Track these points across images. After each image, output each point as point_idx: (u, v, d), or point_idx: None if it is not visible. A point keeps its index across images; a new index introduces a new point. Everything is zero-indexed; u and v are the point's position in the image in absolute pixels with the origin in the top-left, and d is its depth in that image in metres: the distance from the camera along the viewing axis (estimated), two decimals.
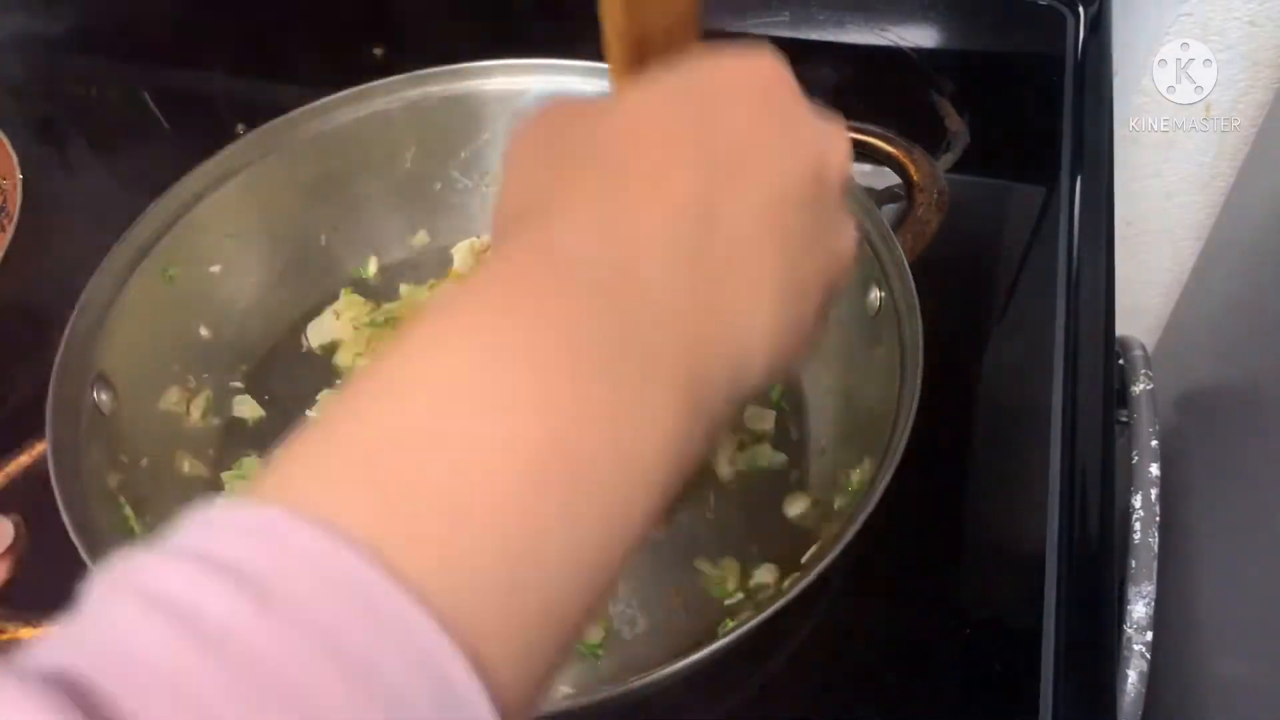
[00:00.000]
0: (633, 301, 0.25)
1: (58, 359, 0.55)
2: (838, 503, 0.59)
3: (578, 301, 0.25)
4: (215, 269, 0.67)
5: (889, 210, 0.61)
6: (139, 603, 0.18)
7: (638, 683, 0.45)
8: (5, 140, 0.82)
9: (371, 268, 0.75)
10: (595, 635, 0.58)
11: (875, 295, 0.60)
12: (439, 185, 0.76)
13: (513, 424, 0.22)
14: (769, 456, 0.64)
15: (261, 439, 0.66)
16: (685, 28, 0.35)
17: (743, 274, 0.28)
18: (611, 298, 0.25)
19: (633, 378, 0.24)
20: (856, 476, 0.57)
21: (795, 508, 0.62)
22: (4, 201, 0.80)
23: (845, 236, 0.33)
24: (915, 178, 0.67)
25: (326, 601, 0.19)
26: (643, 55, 0.34)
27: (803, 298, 0.31)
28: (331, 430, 0.22)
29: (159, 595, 0.18)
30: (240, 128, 0.84)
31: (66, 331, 0.56)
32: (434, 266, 0.75)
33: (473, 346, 0.23)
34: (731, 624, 0.57)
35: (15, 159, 0.80)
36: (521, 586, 0.21)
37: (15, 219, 0.77)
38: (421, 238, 0.77)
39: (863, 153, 0.70)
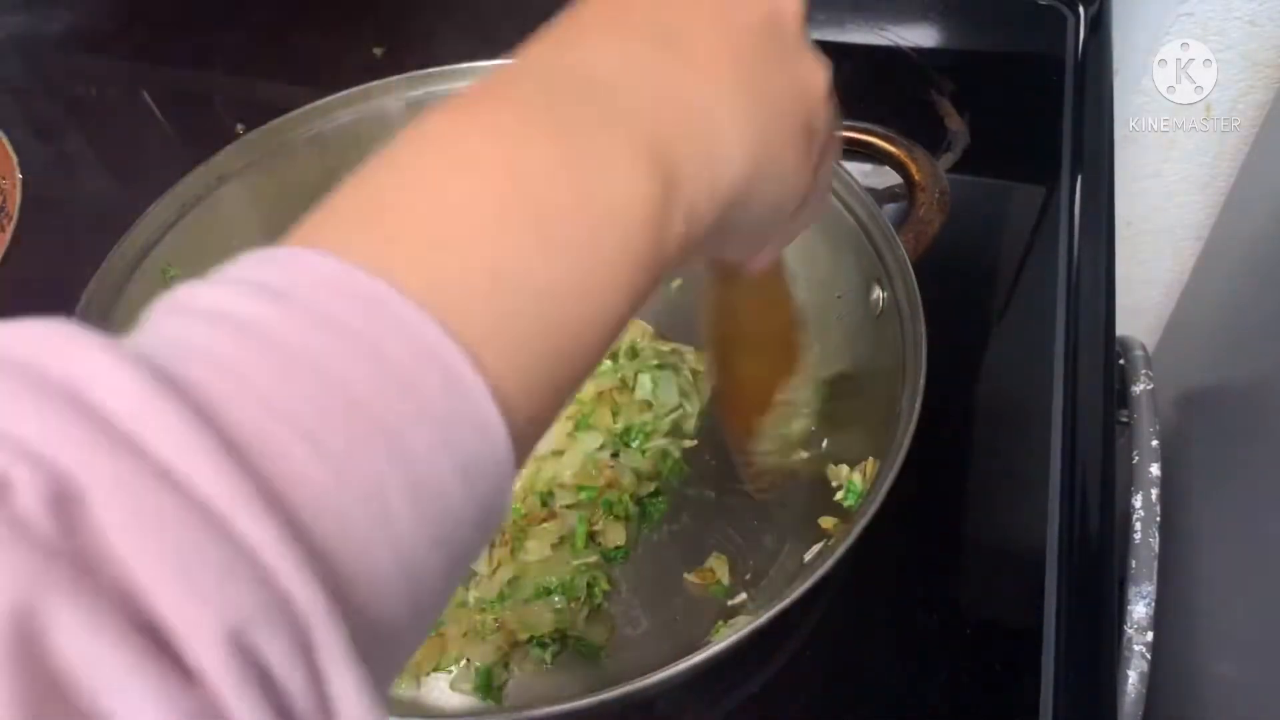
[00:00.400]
0: (588, 84, 0.29)
1: None
2: (844, 501, 0.59)
3: (535, 89, 0.29)
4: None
5: (890, 210, 0.61)
6: (185, 315, 0.22)
7: (640, 684, 0.45)
8: (5, 140, 0.82)
9: None
10: (600, 636, 0.58)
11: (878, 295, 0.60)
12: None
13: (480, 176, 0.25)
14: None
15: None
16: None
17: (699, 76, 0.31)
18: (567, 84, 0.29)
19: (591, 141, 0.28)
20: (858, 479, 0.57)
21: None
22: (4, 201, 0.80)
23: (812, 71, 0.35)
24: (917, 178, 0.67)
25: (340, 303, 0.22)
26: None
27: (773, 109, 0.33)
28: (344, 191, 0.26)
29: (200, 307, 0.22)
30: (240, 128, 0.84)
31: None
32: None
33: (446, 128, 0.27)
34: (724, 628, 0.57)
35: (15, 159, 0.81)
36: (508, 302, 0.24)
37: (15, 219, 0.77)
38: None
39: (865, 152, 0.70)
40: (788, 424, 0.54)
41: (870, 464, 0.57)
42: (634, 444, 0.65)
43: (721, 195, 0.31)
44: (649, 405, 0.67)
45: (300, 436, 0.20)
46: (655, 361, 0.69)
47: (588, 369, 0.28)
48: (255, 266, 0.23)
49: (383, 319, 0.22)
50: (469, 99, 0.29)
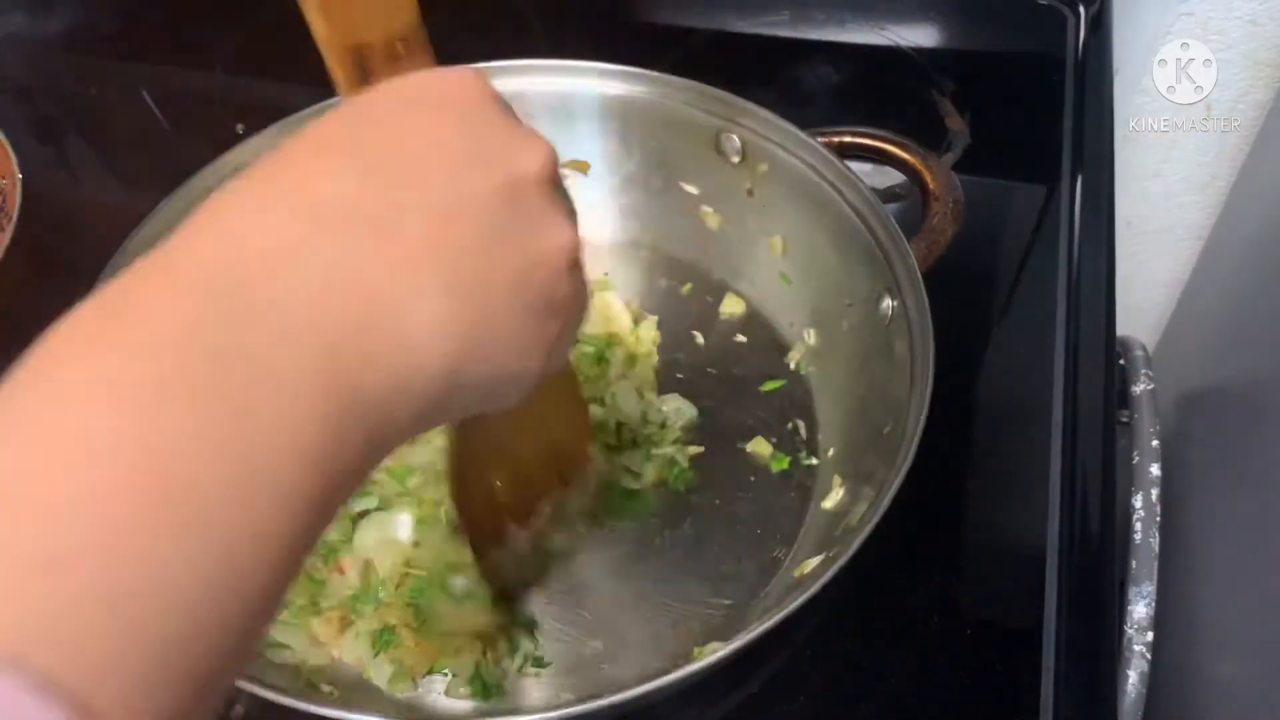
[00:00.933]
0: (254, 314, 0.25)
1: None
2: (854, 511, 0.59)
3: (182, 318, 0.24)
4: None
5: (891, 209, 0.61)
6: None
7: (640, 690, 0.45)
8: (5, 140, 0.82)
9: None
10: (597, 645, 0.58)
11: (888, 304, 0.60)
12: None
13: (100, 463, 0.21)
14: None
15: None
16: (410, 46, 0.36)
17: (397, 274, 0.27)
18: (223, 309, 0.25)
19: (248, 388, 0.24)
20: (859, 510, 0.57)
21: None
22: (4, 201, 0.80)
23: (548, 239, 0.32)
24: (932, 187, 0.67)
25: None
26: (366, 71, 0.35)
27: (488, 297, 0.30)
28: None
29: None
30: (240, 128, 0.84)
31: None
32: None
33: (67, 381, 0.23)
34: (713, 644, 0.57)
35: (15, 159, 0.80)
36: (134, 620, 0.20)
37: (15, 219, 0.77)
38: None
39: (877, 158, 0.70)
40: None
41: (868, 491, 0.57)
42: (640, 450, 0.65)
43: (414, 405, 0.28)
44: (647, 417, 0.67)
45: None
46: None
47: (252, 642, 0.24)
48: None
49: None
50: (95, 333, 0.24)
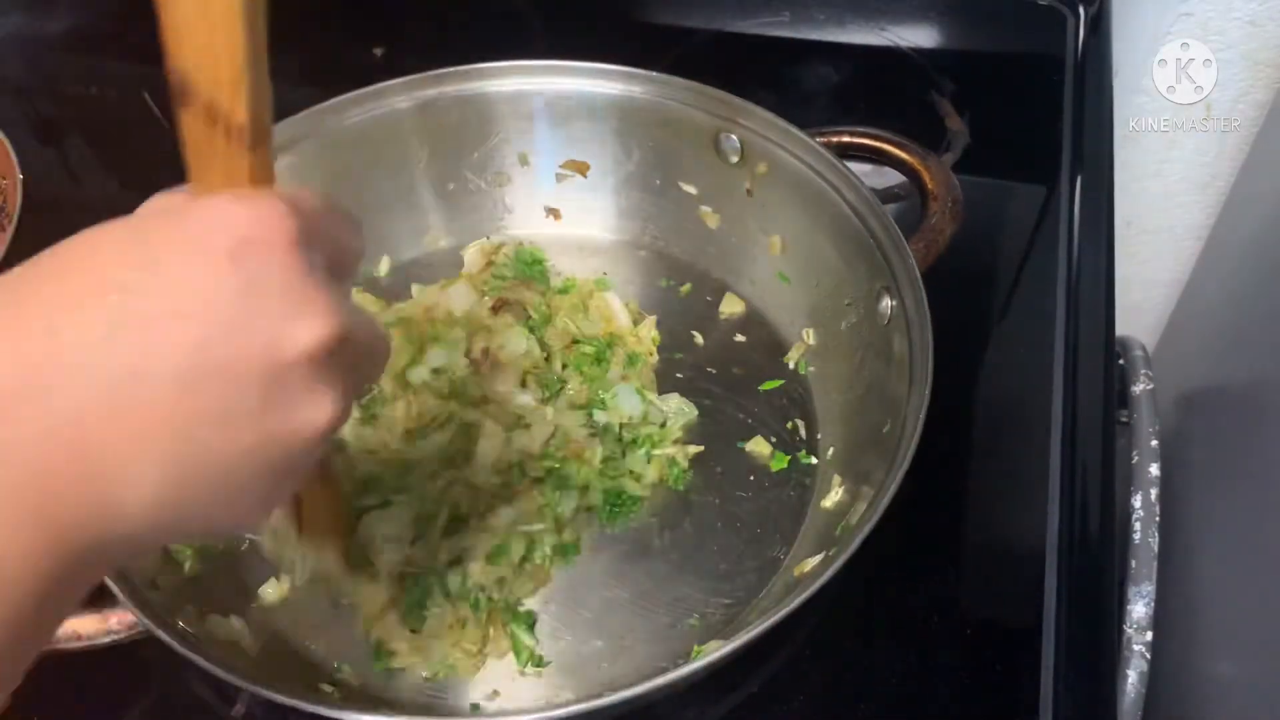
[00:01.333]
0: None
1: None
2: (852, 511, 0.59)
3: None
4: None
5: (890, 209, 0.61)
6: None
7: (640, 689, 0.45)
8: (5, 140, 0.82)
9: (383, 267, 0.75)
10: (598, 644, 0.58)
11: (887, 304, 0.60)
12: (451, 185, 0.76)
13: None
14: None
15: None
16: (230, 120, 0.33)
17: (120, 439, 0.27)
18: None
19: None
20: (859, 510, 0.57)
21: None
22: (4, 201, 0.80)
23: (299, 418, 0.31)
24: (930, 187, 0.66)
25: None
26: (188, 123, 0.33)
27: (209, 469, 0.29)
28: None
29: None
30: None
31: None
32: (446, 266, 0.75)
33: None
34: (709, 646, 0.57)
35: (15, 159, 0.81)
36: None
37: (15, 219, 0.77)
38: (433, 238, 0.77)
39: (876, 158, 0.70)
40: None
41: (870, 485, 0.57)
42: (641, 450, 0.65)
43: (122, 548, 0.29)
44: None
45: None
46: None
47: None
48: None
49: None
50: None
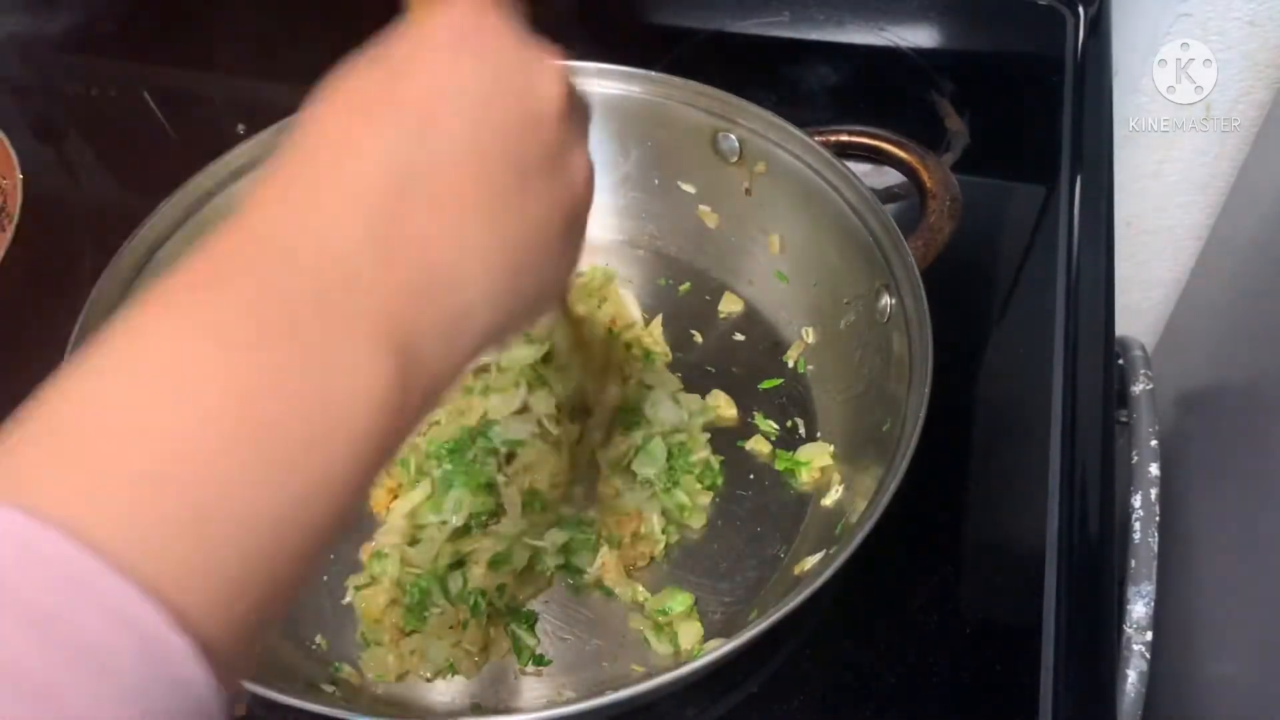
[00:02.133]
0: (322, 271, 0.27)
1: (66, 357, 0.55)
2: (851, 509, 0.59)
3: (266, 278, 0.27)
4: None
5: (890, 209, 0.61)
6: None
7: (640, 688, 0.45)
8: (5, 140, 0.82)
9: None
10: (598, 643, 0.58)
11: (885, 302, 0.60)
12: None
13: (193, 399, 0.24)
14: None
15: None
16: None
17: (444, 227, 0.30)
18: (300, 270, 0.27)
19: (324, 340, 0.27)
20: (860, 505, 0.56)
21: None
22: (4, 201, 0.80)
23: (572, 166, 0.34)
24: (929, 185, 0.67)
25: (30, 577, 0.21)
26: None
27: (526, 233, 0.32)
28: (44, 414, 0.24)
29: None
30: (240, 128, 0.84)
31: (75, 329, 0.56)
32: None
33: (164, 330, 0.26)
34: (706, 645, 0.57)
35: (15, 159, 0.80)
36: (217, 542, 0.24)
37: (15, 219, 0.77)
38: None
39: (875, 157, 0.70)
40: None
41: (871, 475, 0.57)
42: (677, 466, 0.64)
43: (468, 346, 0.31)
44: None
45: None
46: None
47: (317, 558, 0.27)
48: None
49: (75, 590, 0.21)
50: (187, 288, 0.27)
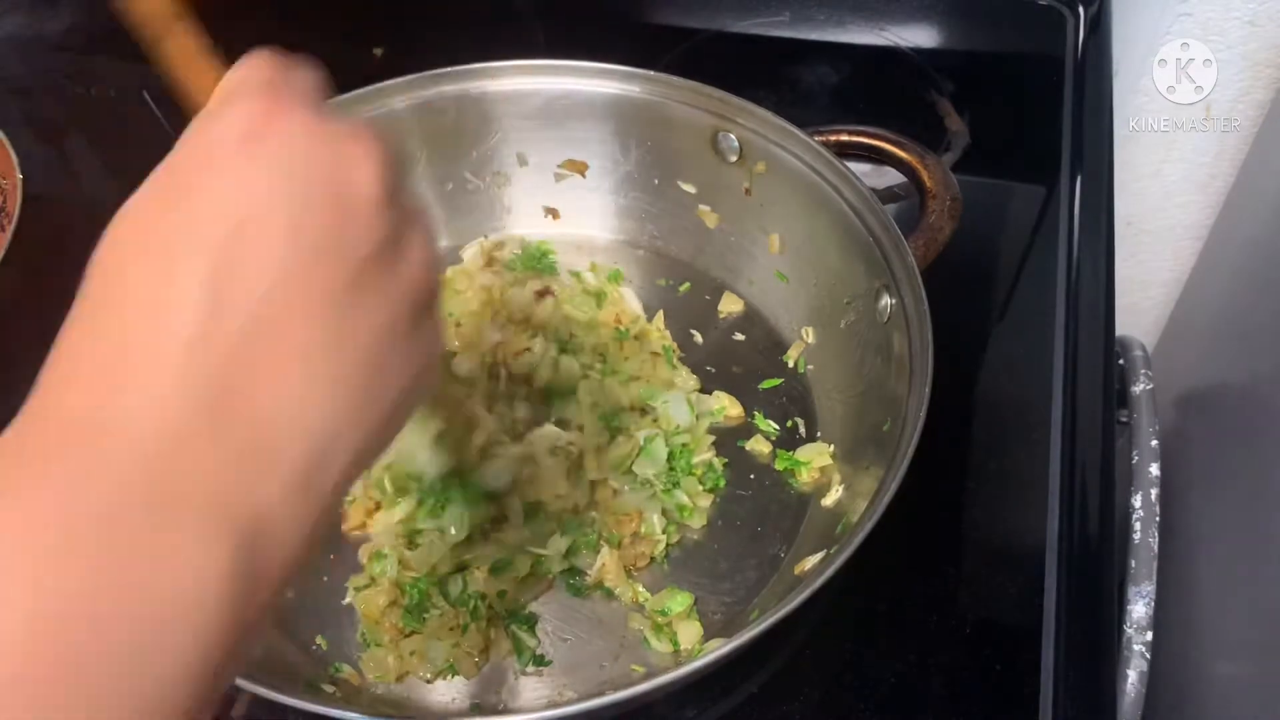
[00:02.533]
0: (139, 454, 0.25)
1: None
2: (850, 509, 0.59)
3: (74, 471, 0.24)
4: None
5: (890, 209, 0.61)
6: None
7: (640, 689, 0.45)
8: (5, 140, 0.82)
9: None
10: (599, 644, 0.58)
11: (886, 302, 0.60)
12: (450, 185, 0.76)
13: (3, 602, 0.22)
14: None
15: None
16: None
17: (276, 372, 0.26)
18: (114, 457, 0.24)
19: (147, 534, 0.24)
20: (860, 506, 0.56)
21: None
22: (4, 201, 0.80)
23: (407, 247, 0.30)
24: (929, 185, 0.66)
25: None
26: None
27: (370, 345, 0.29)
28: None
29: None
30: None
31: None
32: (445, 266, 0.75)
33: None
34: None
35: (15, 159, 0.81)
36: None
37: (15, 219, 0.77)
38: None
39: (876, 158, 0.70)
40: None
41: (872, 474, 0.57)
42: (681, 460, 0.64)
43: (328, 492, 0.28)
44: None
45: None
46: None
47: None
48: None
49: None
50: (5, 472, 0.24)
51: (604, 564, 0.59)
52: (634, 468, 0.63)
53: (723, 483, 0.64)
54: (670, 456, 0.63)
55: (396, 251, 0.30)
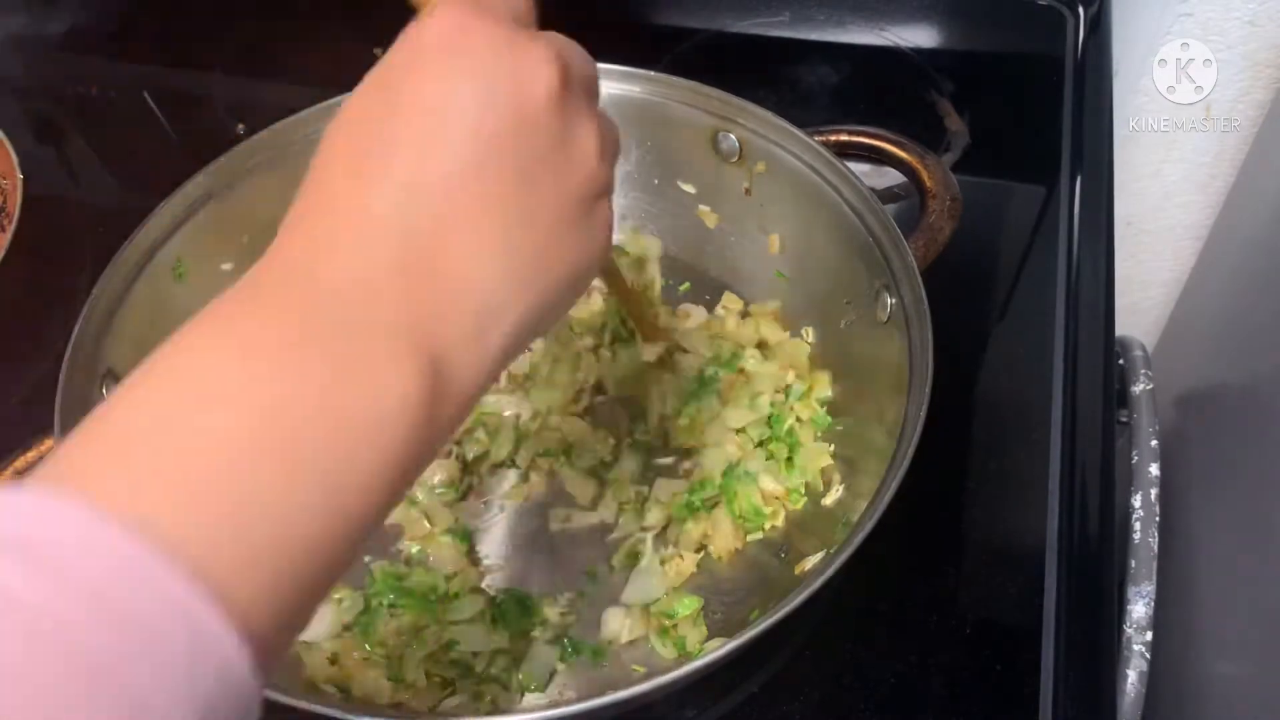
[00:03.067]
0: (344, 292, 0.30)
1: (67, 355, 0.55)
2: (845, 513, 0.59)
3: (293, 299, 0.30)
4: (227, 266, 0.66)
5: (891, 209, 0.61)
6: None
7: (640, 688, 0.45)
8: (5, 140, 0.82)
9: None
10: (596, 638, 0.58)
11: (886, 302, 0.60)
12: None
13: (224, 408, 0.26)
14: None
15: None
16: None
17: (456, 235, 0.32)
18: (324, 293, 0.30)
19: (350, 352, 0.29)
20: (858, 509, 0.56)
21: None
22: (4, 201, 0.80)
23: (578, 144, 0.35)
24: (929, 185, 0.66)
25: (90, 563, 0.22)
26: None
27: (539, 223, 0.34)
28: (104, 417, 0.26)
29: None
30: (240, 128, 0.84)
31: (76, 328, 0.56)
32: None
33: (204, 345, 0.28)
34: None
35: (15, 159, 0.81)
36: (259, 540, 0.26)
37: (15, 219, 0.77)
38: None
39: (875, 158, 0.70)
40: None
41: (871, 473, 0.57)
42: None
43: (501, 343, 0.33)
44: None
45: (42, 714, 0.20)
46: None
47: (352, 558, 0.29)
48: (12, 516, 0.23)
49: (131, 577, 0.23)
50: (228, 312, 0.29)
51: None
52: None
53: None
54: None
55: (570, 146, 0.34)
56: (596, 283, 0.67)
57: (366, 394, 0.28)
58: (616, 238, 0.74)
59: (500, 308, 0.33)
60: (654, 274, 0.74)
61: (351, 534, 0.28)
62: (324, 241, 0.31)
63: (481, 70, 0.32)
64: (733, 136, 0.69)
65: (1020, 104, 0.85)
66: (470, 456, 0.65)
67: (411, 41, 0.34)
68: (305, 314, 0.29)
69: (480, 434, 0.66)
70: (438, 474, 0.64)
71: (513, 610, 0.58)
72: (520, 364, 0.69)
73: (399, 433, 0.29)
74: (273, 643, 0.26)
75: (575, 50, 0.36)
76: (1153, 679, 0.60)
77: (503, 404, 0.67)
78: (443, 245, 0.31)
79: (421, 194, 0.31)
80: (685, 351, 0.68)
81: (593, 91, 0.37)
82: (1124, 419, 0.74)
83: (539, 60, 0.33)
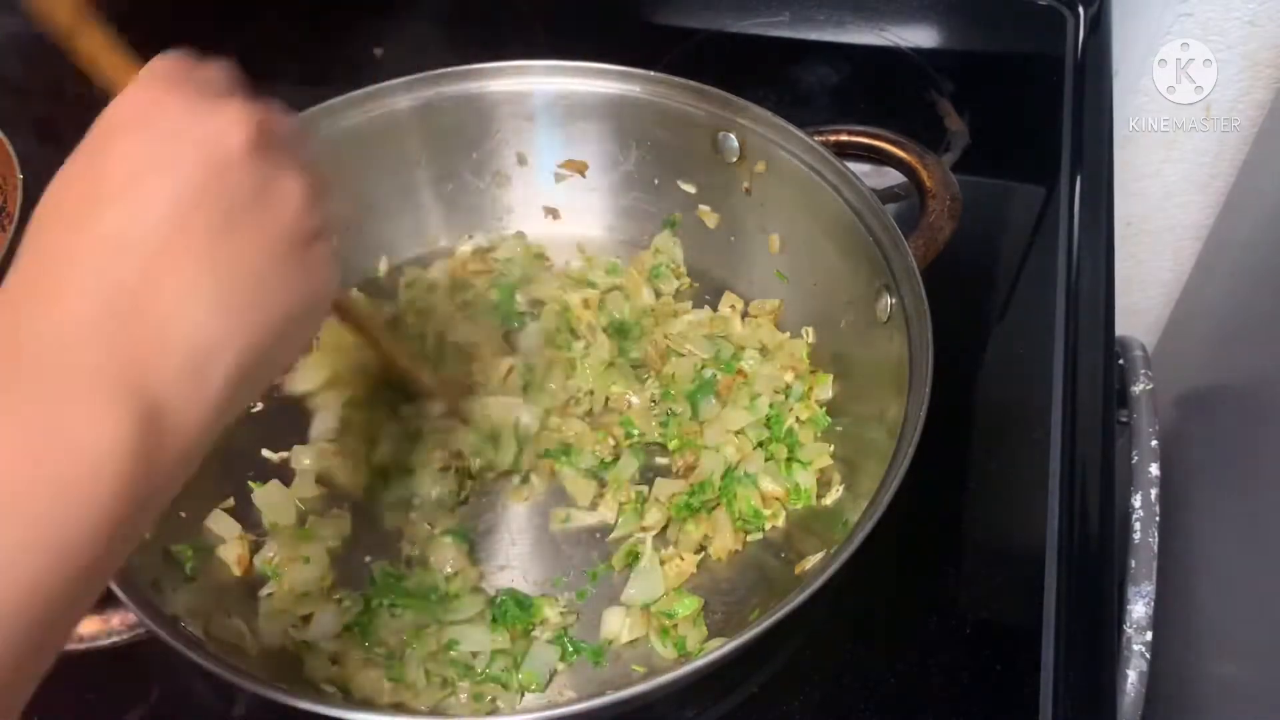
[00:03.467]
0: (52, 340, 0.31)
1: None
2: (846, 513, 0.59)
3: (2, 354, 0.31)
4: None
5: (890, 209, 0.61)
6: None
7: (640, 688, 0.45)
8: (5, 140, 0.82)
9: (382, 267, 0.75)
10: (596, 639, 0.58)
11: (886, 302, 0.60)
12: (450, 185, 0.76)
13: None
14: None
15: (268, 430, 0.66)
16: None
17: (166, 282, 0.34)
18: (29, 339, 0.31)
19: (54, 394, 0.30)
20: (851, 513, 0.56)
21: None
22: (4, 201, 0.80)
23: (278, 194, 0.37)
24: (929, 185, 0.66)
25: None
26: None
27: (246, 266, 0.36)
28: None
29: None
30: None
31: None
32: (444, 266, 0.75)
33: None
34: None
35: (15, 159, 0.80)
36: None
37: (15, 219, 0.77)
38: (432, 238, 0.77)
39: (874, 157, 0.70)
40: None
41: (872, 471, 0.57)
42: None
43: (221, 386, 0.34)
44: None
45: None
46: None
47: (91, 597, 0.31)
48: None
49: None
50: None
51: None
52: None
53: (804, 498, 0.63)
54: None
55: (270, 193, 0.37)
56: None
57: (71, 443, 0.30)
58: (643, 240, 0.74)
59: (216, 346, 0.34)
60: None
61: (79, 576, 0.29)
62: (37, 297, 0.33)
63: (174, 134, 0.35)
64: (733, 136, 0.69)
65: (1020, 104, 0.85)
66: (475, 468, 0.64)
67: (110, 116, 0.37)
68: (13, 369, 0.31)
69: (484, 445, 0.65)
70: (435, 489, 0.63)
71: (513, 610, 0.58)
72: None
73: (117, 476, 0.30)
74: None
75: (268, 109, 0.38)
76: (1153, 679, 0.60)
77: (504, 408, 0.66)
78: (152, 291, 0.33)
79: (128, 246, 0.33)
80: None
81: (293, 143, 0.39)
82: (1124, 419, 0.74)
83: (230, 121, 0.36)
